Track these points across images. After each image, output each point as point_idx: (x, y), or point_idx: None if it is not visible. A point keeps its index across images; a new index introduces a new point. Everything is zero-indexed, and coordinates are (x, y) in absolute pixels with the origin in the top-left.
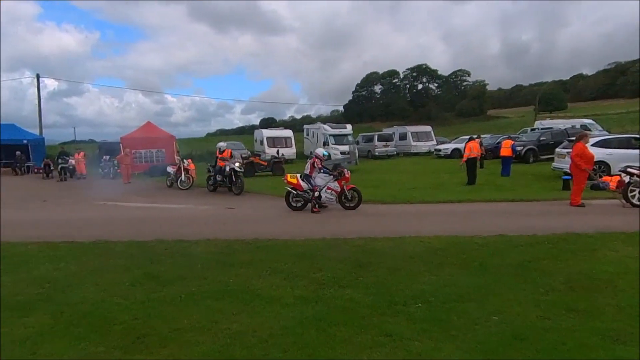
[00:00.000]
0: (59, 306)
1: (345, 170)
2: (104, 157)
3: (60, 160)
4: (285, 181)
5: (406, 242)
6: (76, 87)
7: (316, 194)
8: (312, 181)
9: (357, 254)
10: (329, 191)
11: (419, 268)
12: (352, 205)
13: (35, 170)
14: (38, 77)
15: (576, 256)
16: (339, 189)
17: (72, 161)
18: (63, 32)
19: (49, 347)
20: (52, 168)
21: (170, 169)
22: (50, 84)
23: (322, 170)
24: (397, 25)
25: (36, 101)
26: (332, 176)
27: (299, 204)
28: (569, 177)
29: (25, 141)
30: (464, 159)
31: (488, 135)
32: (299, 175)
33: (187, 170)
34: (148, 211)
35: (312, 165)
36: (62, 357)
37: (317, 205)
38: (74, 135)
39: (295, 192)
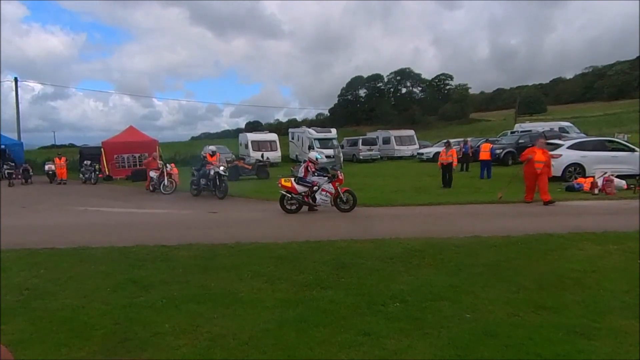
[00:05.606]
0: (38, 312)
1: (339, 172)
2: (85, 162)
3: (6, 166)
4: (280, 185)
5: (386, 244)
6: (62, 90)
7: (315, 188)
8: (309, 178)
9: (340, 256)
10: (323, 193)
11: (397, 269)
12: (347, 207)
13: (14, 175)
14: (16, 80)
15: (547, 256)
16: (333, 191)
17: (51, 166)
18: (49, 34)
19: (30, 353)
20: (31, 173)
21: (153, 174)
22: (35, 87)
23: (316, 173)
24: (388, 30)
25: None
26: (326, 178)
27: (294, 207)
28: None
29: (3, 146)
30: (455, 163)
31: (469, 139)
32: (293, 179)
33: (170, 175)
34: (130, 216)
35: (306, 169)
36: None
37: (312, 200)
38: (54, 140)
39: (289, 196)
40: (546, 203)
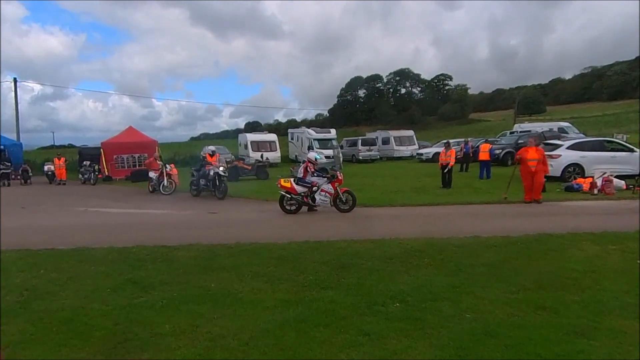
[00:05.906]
0: (38, 313)
1: (339, 172)
2: (84, 162)
3: (2, 167)
4: (279, 185)
5: (386, 244)
6: (61, 91)
7: (314, 188)
8: (308, 179)
9: (339, 256)
10: (323, 193)
11: (397, 269)
12: (346, 208)
13: (13, 176)
14: (15, 80)
15: (546, 256)
16: (332, 191)
17: (50, 167)
18: (48, 35)
19: (30, 354)
20: (30, 174)
21: (152, 174)
22: (35, 87)
23: (315, 174)
24: (388, 30)
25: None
26: (325, 178)
27: (293, 207)
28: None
29: (2, 147)
30: (451, 163)
31: (470, 139)
32: (292, 179)
33: (169, 175)
34: (129, 217)
35: (305, 169)
36: None
37: (312, 200)
38: (53, 140)
39: (289, 196)
40: (535, 201)
